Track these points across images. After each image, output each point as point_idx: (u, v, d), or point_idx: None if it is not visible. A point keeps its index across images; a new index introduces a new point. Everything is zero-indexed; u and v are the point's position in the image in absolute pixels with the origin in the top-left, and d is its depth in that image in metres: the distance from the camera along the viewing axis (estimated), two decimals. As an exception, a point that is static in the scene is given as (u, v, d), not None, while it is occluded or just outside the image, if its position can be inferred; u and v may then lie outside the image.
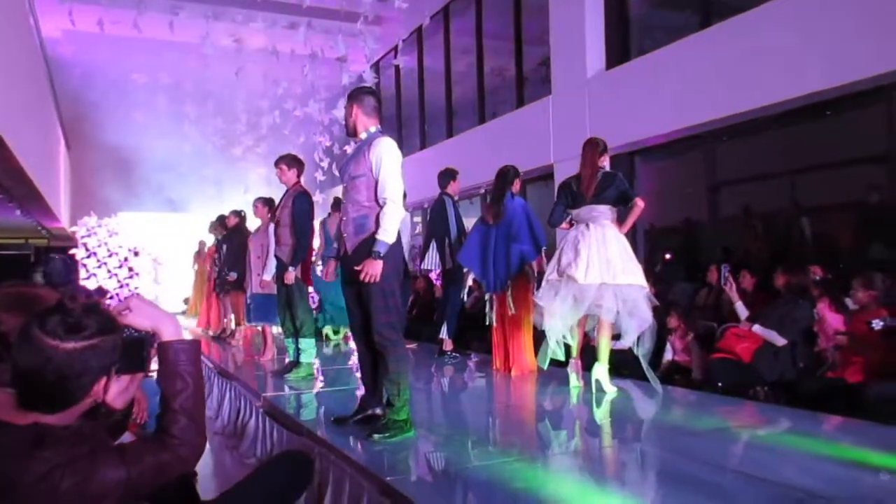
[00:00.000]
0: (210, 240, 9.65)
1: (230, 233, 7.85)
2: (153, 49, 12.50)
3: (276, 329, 6.32)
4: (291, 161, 5.45)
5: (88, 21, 11.26)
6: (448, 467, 2.94)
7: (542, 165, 8.96)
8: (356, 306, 3.44)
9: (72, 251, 15.09)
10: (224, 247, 7.88)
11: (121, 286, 14.72)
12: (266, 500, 2.12)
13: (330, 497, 2.96)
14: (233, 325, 8.14)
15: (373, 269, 3.19)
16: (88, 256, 14.77)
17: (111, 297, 12.75)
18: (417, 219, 12.34)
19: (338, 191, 6.67)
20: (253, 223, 7.25)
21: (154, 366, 1.65)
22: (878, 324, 4.15)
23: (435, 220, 6.14)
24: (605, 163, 4.55)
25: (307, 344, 5.36)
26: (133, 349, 1.57)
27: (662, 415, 4.12)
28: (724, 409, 4.05)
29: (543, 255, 5.32)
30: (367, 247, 3.27)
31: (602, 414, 3.99)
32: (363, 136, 3.46)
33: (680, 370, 5.49)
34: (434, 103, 12.75)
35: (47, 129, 11.48)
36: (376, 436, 3.19)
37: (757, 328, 4.87)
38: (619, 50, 8.26)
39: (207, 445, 1.69)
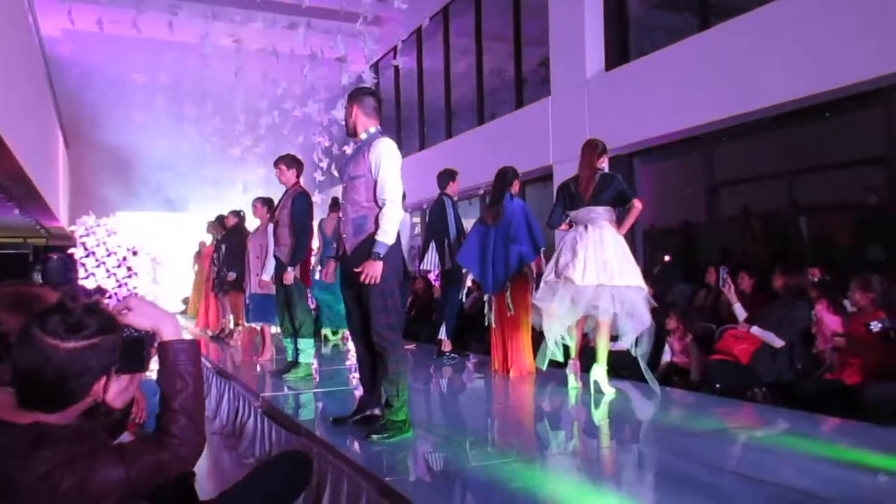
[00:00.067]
0: (209, 240, 9.65)
1: (229, 233, 7.85)
2: (152, 49, 12.50)
3: (275, 329, 6.32)
4: (291, 161, 5.45)
5: (88, 20, 11.26)
6: (446, 468, 2.94)
7: (541, 166, 8.96)
8: (355, 307, 3.44)
9: (70, 250, 15.09)
10: (223, 247, 7.88)
11: (119, 285, 14.71)
12: (264, 500, 2.12)
13: (328, 497, 2.97)
14: (231, 325, 8.14)
15: (373, 271, 3.20)
16: (87, 256, 14.77)
17: (110, 297, 12.75)
18: (416, 219, 12.34)
19: (337, 191, 6.67)
20: (252, 223, 7.25)
21: (154, 365, 1.66)
22: (876, 326, 4.16)
23: (434, 220, 6.15)
24: (604, 164, 4.55)
25: (306, 344, 5.36)
26: (133, 349, 1.57)
27: (661, 416, 4.13)
28: (723, 411, 4.06)
29: (542, 256, 5.33)
30: (366, 247, 3.27)
31: (600, 415, 3.99)
32: (363, 136, 3.46)
33: (678, 371, 5.49)
34: (433, 104, 12.75)
35: (46, 128, 11.47)
36: (375, 436, 3.20)
37: (755, 330, 4.88)
38: (619, 51, 8.27)
39: (206, 445, 1.69)
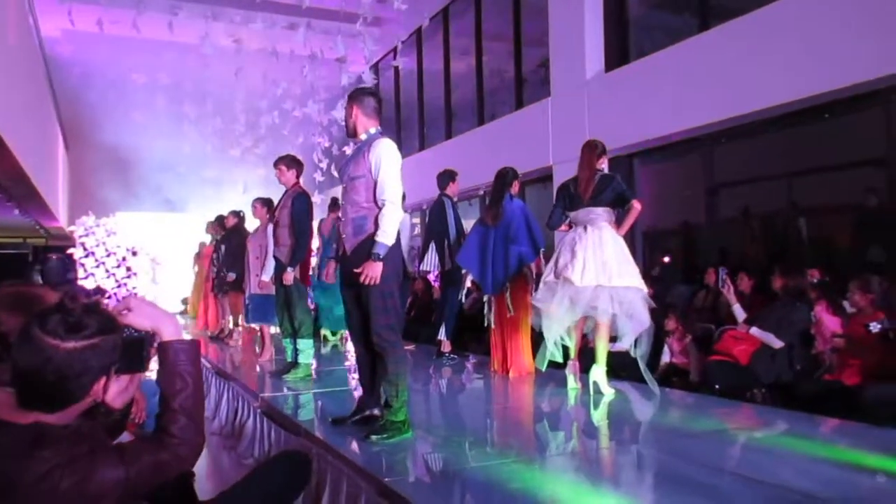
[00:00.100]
0: (208, 240, 9.65)
1: (229, 233, 7.85)
2: (152, 49, 12.49)
3: (275, 329, 6.31)
4: (290, 162, 5.45)
5: (88, 21, 11.25)
6: (446, 468, 2.94)
7: (541, 167, 8.97)
8: (355, 307, 3.44)
9: (70, 251, 15.07)
10: (222, 247, 7.88)
11: (119, 286, 14.70)
12: (264, 501, 2.12)
13: (327, 497, 2.97)
14: (231, 326, 8.14)
15: (372, 272, 3.19)
16: (86, 256, 14.75)
17: (109, 297, 12.74)
18: (416, 220, 12.34)
19: (337, 191, 6.67)
20: (252, 224, 7.25)
21: (153, 365, 1.66)
22: (875, 326, 4.17)
23: (434, 221, 6.15)
24: (604, 165, 4.56)
25: (305, 344, 5.36)
26: (133, 349, 1.57)
27: (660, 417, 4.13)
28: (722, 411, 4.06)
29: (542, 256, 5.33)
30: (365, 248, 3.27)
31: (600, 416, 4.00)
32: (363, 137, 3.46)
33: (677, 372, 5.50)
34: (433, 104, 12.75)
35: (46, 128, 11.47)
36: (374, 437, 3.20)
37: (754, 330, 4.89)
38: (619, 52, 8.27)
39: (205, 445, 1.69)
